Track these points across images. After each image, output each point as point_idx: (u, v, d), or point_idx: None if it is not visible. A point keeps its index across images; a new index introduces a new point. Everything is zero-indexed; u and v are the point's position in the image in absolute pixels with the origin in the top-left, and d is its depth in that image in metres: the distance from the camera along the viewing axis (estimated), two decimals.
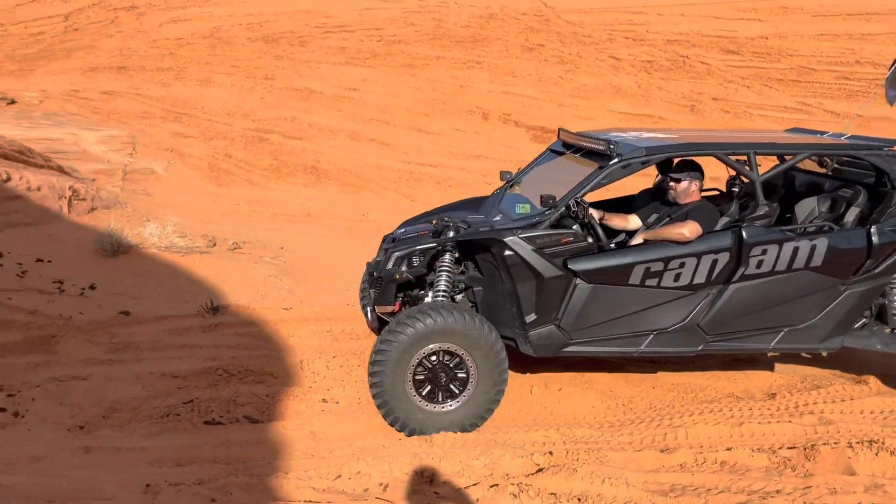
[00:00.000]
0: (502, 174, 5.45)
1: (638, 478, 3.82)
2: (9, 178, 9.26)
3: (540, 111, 17.12)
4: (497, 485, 3.70)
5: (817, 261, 4.57)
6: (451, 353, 4.30)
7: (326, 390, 4.98)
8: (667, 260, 4.44)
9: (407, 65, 20.47)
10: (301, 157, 16.26)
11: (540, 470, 3.90)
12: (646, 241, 4.63)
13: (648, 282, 4.45)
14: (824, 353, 5.02)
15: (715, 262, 4.48)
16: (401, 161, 15.63)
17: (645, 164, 4.51)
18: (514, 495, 3.57)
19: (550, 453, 4.09)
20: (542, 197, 4.43)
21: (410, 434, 4.33)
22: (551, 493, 3.64)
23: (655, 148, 4.56)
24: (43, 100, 20.32)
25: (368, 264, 5.11)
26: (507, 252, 4.35)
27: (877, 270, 4.69)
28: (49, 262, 7.49)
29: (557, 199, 4.43)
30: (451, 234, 4.64)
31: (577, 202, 4.43)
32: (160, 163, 15.54)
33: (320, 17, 24.21)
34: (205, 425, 4.57)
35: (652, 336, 4.59)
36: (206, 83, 21.69)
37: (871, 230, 4.62)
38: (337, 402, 4.82)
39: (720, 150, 4.63)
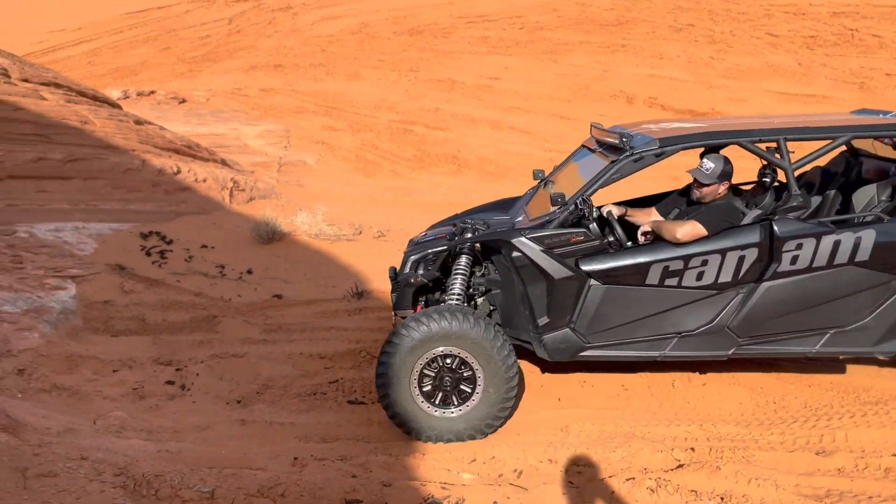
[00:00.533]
0: (535, 173, 5.24)
1: (789, 480, 3.58)
2: (179, 171, 10.10)
3: (688, 94, 16.37)
4: (634, 478, 3.60)
5: (863, 255, 4.11)
6: (456, 358, 4.07)
7: None
8: (687, 258, 4.14)
9: (549, 51, 20.26)
10: (443, 146, 16.53)
11: (680, 466, 3.76)
12: (645, 235, 4.38)
13: (668, 281, 4.18)
14: (882, 357, 4.50)
15: (742, 258, 4.13)
16: (541, 149, 15.50)
17: (659, 156, 4.20)
18: (652, 490, 3.46)
19: (692, 449, 3.93)
20: (551, 196, 4.28)
21: (417, 439, 4.14)
22: (691, 491, 3.49)
23: (670, 140, 4.23)
24: (209, 98, 21.94)
25: (391, 268, 5.01)
26: (515, 253, 4.23)
27: None
28: (212, 248, 8.12)
29: (567, 198, 4.25)
30: (467, 236, 4.59)
31: (582, 200, 4.20)
32: (312, 155, 16.36)
33: (463, 7, 24.46)
34: (348, 404, 4.78)
35: (676, 339, 4.31)
36: (355, 77, 22.55)
37: None
38: None
39: (745, 138, 4.25)
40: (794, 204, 4.17)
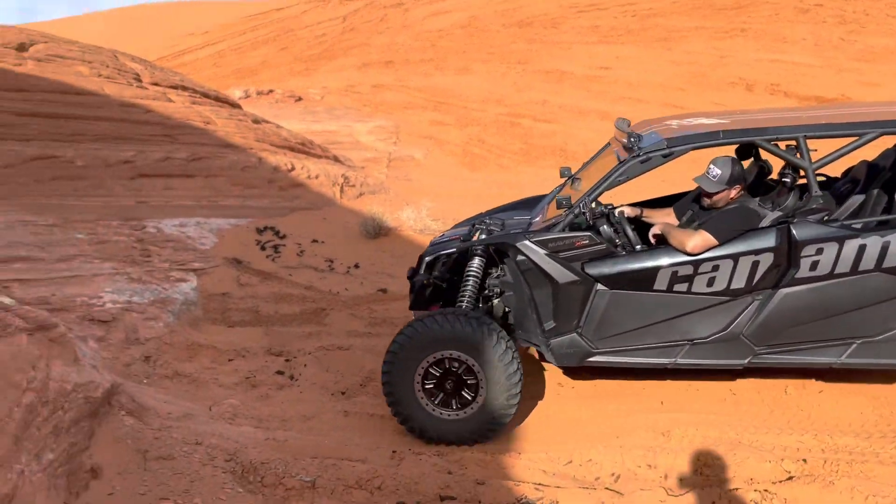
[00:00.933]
0: (562, 171, 5.05)
1: None
2: (293, 168, 10.53)
3: (814, 79, 15.41)
4: (738, 489, 3.46)
5: (892, 261, 3.76)
6: (458, 362, 4.01)
7: (563, 374, 5.01)
8: (696, 263, 3.92)
9: (662, 38, 19.61)
10: (550, 139, 16.36)
11: (790, 478, 3.57)
12: (655, 237, 4.21)
13: (677, 287, 3.98)
14: None
15: (756, 264, 3.88)
16: None
17: (667, 157, 3.98)
18: (756, 502, 3.31)
19: (804, 461, 3.72)
20: (556, 199, 4.19)
21: (420, 437, 4.14)
22: None
23: (678, 139, 3.99)
24: (324, 95, 22.70)
25: (409, 269, 4.98)
26: (520, 257, 4.14)
27: None
28: (322, 242, 8.42)
29: (574, 200, 4.13)
30: (481, 237, 4.51)
31: (585, 204, 4.08)
32: (420, 150, 16.61)
33: None
34: None
35: (688, 346, 4.10)
36: (463, 71, 22.69)
37: None
38: (573, 388, 4.82)
39: (760, 137, 3.96)
40: (815, 206, 3.90)
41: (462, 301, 4.34)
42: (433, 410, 4.08)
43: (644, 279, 4.01)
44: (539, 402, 4.67)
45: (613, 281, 4.05)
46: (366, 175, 12.62)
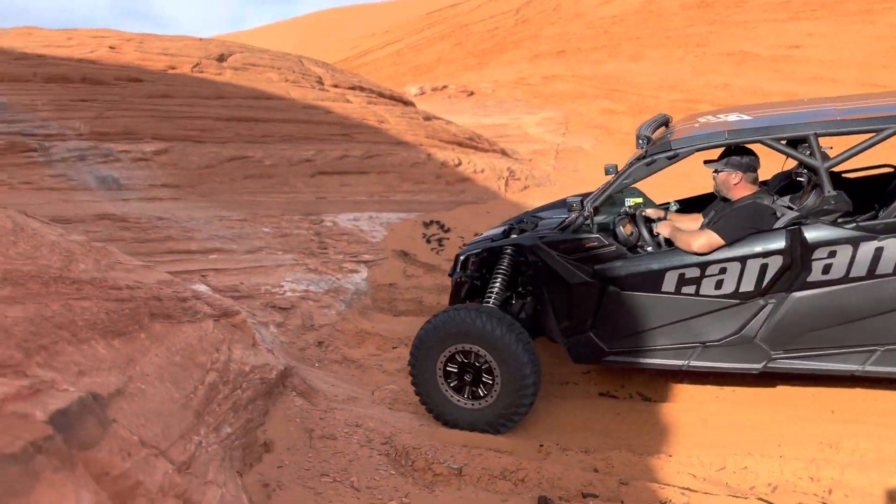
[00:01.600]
0: (606, 168, 4.89)
1: None
2: (460, 163, 10.81)
3: None
4: None
5: None
6: (477, 355, 4.14)
7: (723, 378, 4.80)
8: (703, 266, 3.87)
9: (863, 11, 17.80)
10: None
11: None
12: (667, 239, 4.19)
13: (685, 289, 3.94)
14: None
15: (765, 267, 3.76)
16: None
17: (672, 159, 3.93)
18: None
19: None
20: (566, 200, 4.28)
21: (445, 424, 4.31)
22: None
23: (683, 141, 3.92)
24: (495, 89, 22.97)
25: (451, 267, 5.12)
26: (532, 258, 4.27)
27: None
28: None
29: (585, 201, 4.19)
30: (514, 236, 4.60)
31: (592, 207, 4.13)
32: (589, 140, 16.35)
33: None
34: (599, 397, 4.81)
35: (700, 349, 4.04)
36: (637, 58, 21.99)
37: None
38: (733, 392, 4.61)
39: (767, 136, 3.77)
40: (827, 207, 3.68)
41: (489, 298, 4.45)
42: (451, 397, 4.30)
43: (651, 281, 4.01)
44: (695, 406, 4.51)
45: (623, 282, 4.07)
46: (532, 167, 12.66)
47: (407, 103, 13.33)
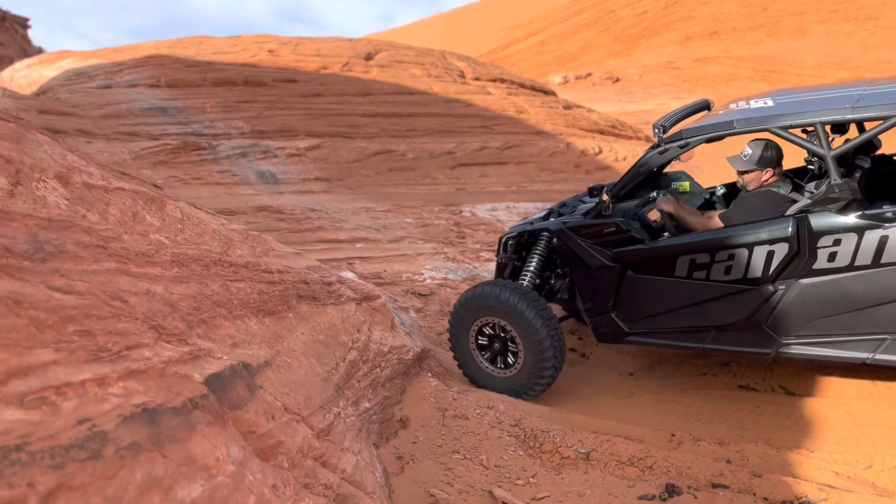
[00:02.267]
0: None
1: None
2: (600, 151, 10.68)
3: None
4: None
5: None
6: (504, 329, 4.45)
7: (877, 372, 4.49)
8: (713, 251, 3.97)
9: None
10: None
11: None
12: (671, 216, 4.36)
13: (696, 274, 4.07)
14: None
15: (771, 254, 3.82)
16: None
17: (684, 147, 4.08)
18: None
19: None
20: (588, 187, 4.60)
21: (474, 385, 4.63)
22: None
23: (693, 130, 4.04)
24: (641, 74, 22.33)
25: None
26: (557, 242, 4.54)
27: None
28: None
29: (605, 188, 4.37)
30: (550, 220, 4.78)
31: (607, 194, 4.29)
32: None
33: None
34: (738, 389, 4.66)
35: (714, 332, 4.15)
36: (799, 35, 20.55)
37: None
38: (888, 388, 4.31)
39: (774, 125, 3.78)
40: (832, 195, 3.66)
41: (524, 278, 4.73)
42: (482, 364, 4.64)
43: (665, 265, 4.15)
44: (843, 402, 4.27)
45: (639, 266, 4.25)
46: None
47: (548, 93, 13.30)
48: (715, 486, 3.36)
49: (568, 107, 12.34)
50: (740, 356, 4.86)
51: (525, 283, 4.71)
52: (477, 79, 12.25)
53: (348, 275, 6.14)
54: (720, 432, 4.06)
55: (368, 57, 11.50)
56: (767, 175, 4.16)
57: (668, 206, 4.39)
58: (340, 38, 12.72)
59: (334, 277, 4.54)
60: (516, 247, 5.08)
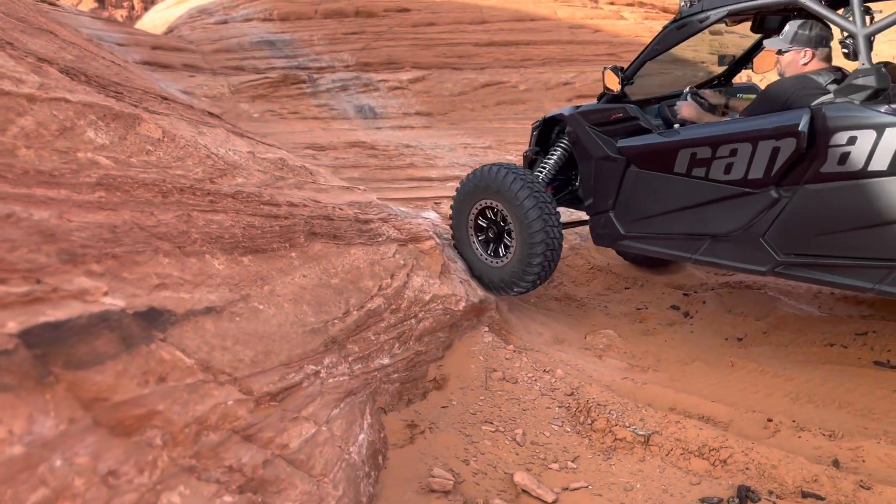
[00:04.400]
0: (720, 58, 4.75)
1: None
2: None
3: None
4: None
5: None
6: (500, 213, 4.21)
7: None
8: (714, 144, 3.43)
9: None
10: None
11: None
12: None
13: (695, 171, 3.56)
14: None
15: (776, 150, 3.16)
16: None
17: (704, 22, 3.51)
18: None
19: None
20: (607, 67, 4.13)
21: (472, 276, 4.37)
22: None
23: (716, 2, 3.48)
24: None
25: None
26: (568, 128, 4.28)
27: None
28: None
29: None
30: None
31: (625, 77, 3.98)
32: None
33: None
34: (873, 366, 3.67)
35: (708, 242, 3.63)
36: None
37: None
38: None
39: None
40: (854, 81, 2.94)
41: (542, 169, 4.49)
42: (477, 251, 4.41)
43: (665, 160, 3.71)
44: None
45: (639, 159, 3.87)
46: None
47: None
48: (805, 495, 2.54)
49: (716, 32, 10.91)
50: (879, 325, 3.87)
51: (540, 174, 4.47)
52: (612, 3, 11.09)
53: (432, 215, 5.60)
54: (836, 421, 3.16)
55: None
56: (807, 57, 3.44)
57: (689, 113, 3.95)
58: None
59: (380, 215, 4.02)
60: (538, 138, 4.74)
